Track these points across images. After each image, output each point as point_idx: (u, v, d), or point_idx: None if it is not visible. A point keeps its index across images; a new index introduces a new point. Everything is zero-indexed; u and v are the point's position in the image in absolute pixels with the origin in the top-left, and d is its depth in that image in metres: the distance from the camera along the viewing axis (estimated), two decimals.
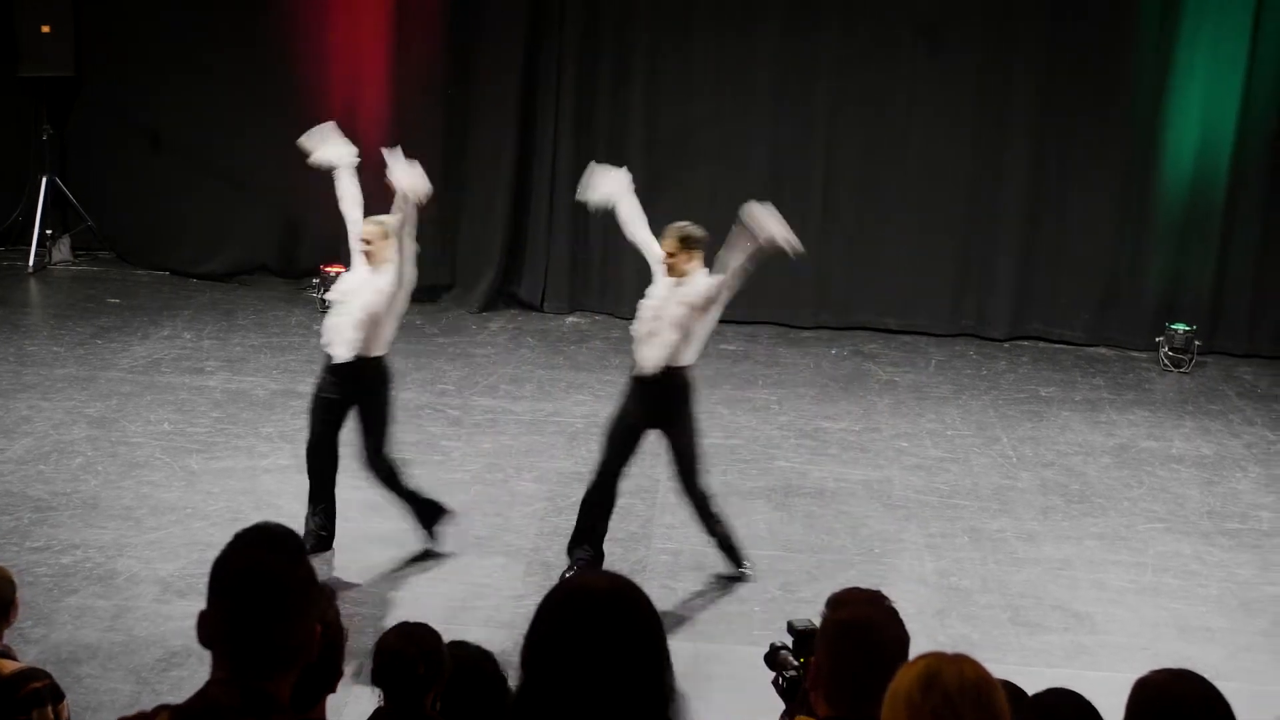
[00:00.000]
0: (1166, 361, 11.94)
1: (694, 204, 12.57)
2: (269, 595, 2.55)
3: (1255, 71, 11.94)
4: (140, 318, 11.72)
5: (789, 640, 3.86)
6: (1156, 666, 3.33)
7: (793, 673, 3.79)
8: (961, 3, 12.21)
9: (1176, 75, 12.05)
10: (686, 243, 7.21)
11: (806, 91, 12.34)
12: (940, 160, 12.35)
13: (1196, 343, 11.95)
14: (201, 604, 2.60)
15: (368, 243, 7.36)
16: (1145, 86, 12.10)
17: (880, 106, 12.32)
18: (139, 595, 7.09)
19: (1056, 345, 12.42)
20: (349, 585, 7.31)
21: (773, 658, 3.89)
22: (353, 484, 8.00)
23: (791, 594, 7.51)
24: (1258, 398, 11.36)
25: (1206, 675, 3.29)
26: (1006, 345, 12.39)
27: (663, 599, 7.21)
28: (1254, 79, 11.95)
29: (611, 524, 7.65)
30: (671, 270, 7.24)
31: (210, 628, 2.57)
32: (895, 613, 3.15)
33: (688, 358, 7.33)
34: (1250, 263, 12.27)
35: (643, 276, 12.50)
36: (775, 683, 3.87)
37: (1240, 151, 12.06)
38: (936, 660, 2.63)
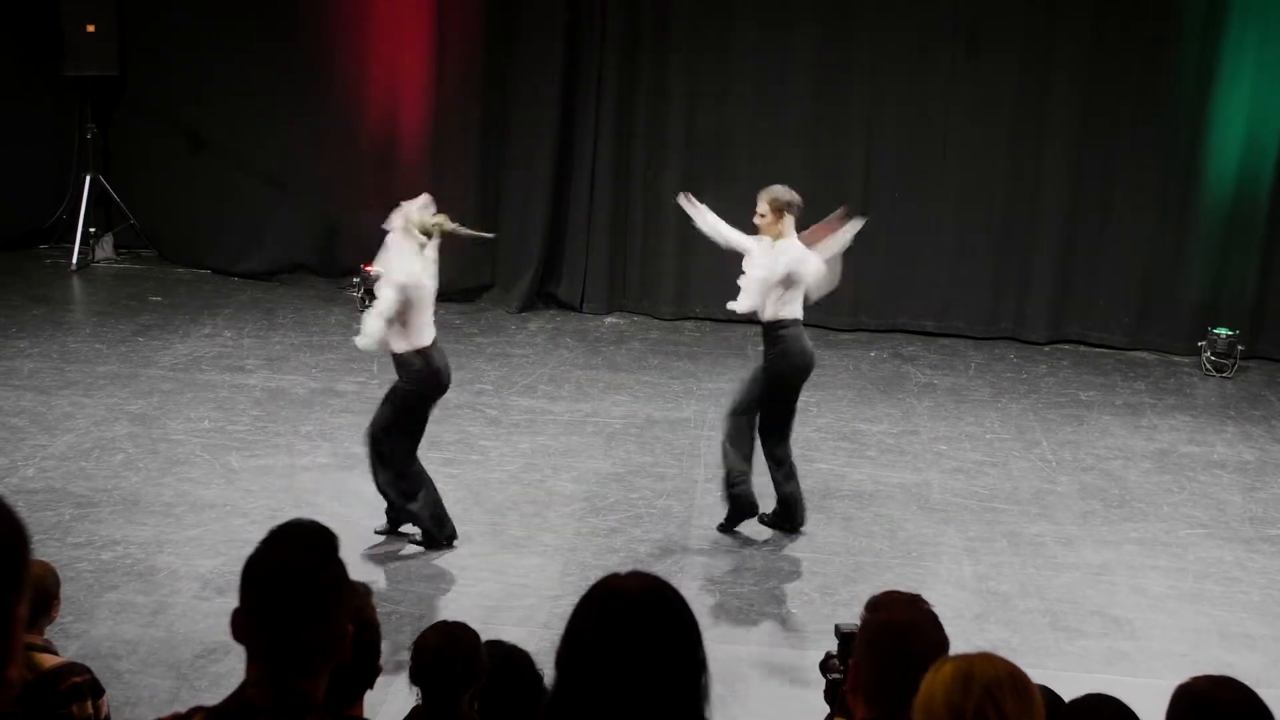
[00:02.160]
0: (1209, 366, 11.85)
1: (732, 204, 12.59)
2: (300, 595, 2.55)
3: None
4: (181, 316, 11.79)
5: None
6: (1197, 673, 3.31)
7: (836, 676, 3.78)
8: (1002, 4, 12.15)
9: (1221, 79, 11.95)
10: (775, 205, 7.92)
11: (845, 92, 12.31)
12: (979, 162, 12.30)
13: (1239, 347, 11.86)
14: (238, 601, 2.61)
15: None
16: (1188, 90, 12.01)
17: (919, 108, 12.28)
18: (178, 591, 7.14)
19: (1097, 349, 12.35)
20: (386, 583, 7.33)
21: (825, 664, 3.88)
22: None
23: (830, 596, 7.50)
24: None
25: (1247, 682, 3.26)
26: (1046, 349, 12.33)
27: (699, 600, 7.20)
28: None
29: (649, 525, 7.65)
30: (763, 230, 8.00)
31: (243, 627, 2.58)
32: (934, 616, 3.14)
33: (785, 312, 7.94)
34: None
35: (680, 278, 12.58)
36: (825, 690, 3.86)
37: None
38: (964, 661, 2.62)
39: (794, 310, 7.97)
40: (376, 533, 7.78)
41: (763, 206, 7.96)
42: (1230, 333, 11.87)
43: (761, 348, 8.19)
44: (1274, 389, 11.59)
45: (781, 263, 7.87)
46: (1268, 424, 10.70)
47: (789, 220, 7.92)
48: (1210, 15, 11.89)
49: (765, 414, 8.09)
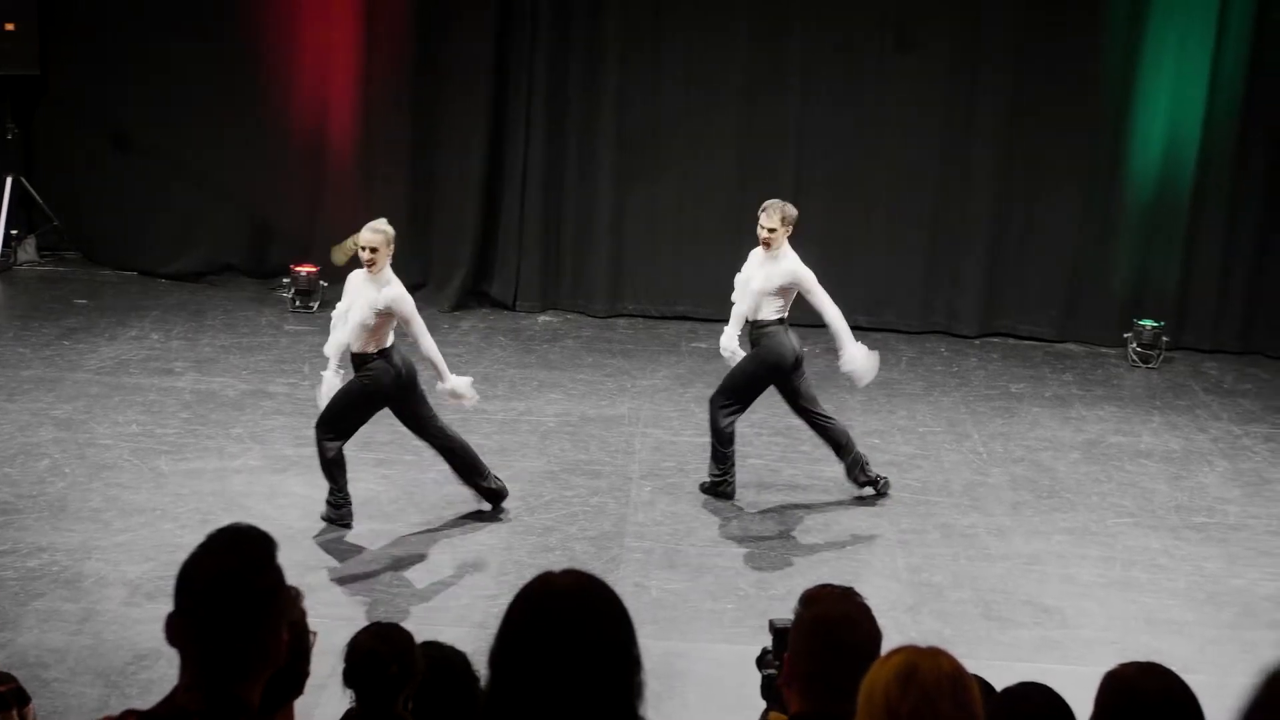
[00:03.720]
0: (1135, 357, 12.01)
1: (664, 202, 12.63)
2: (237, 601, 2.53)
3: (1219, 71, 12.01)
4: (108, 318, 11.65)
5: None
6: (1125, 660, 3.35)
7: (771, 671, 3.80)
8: (932, 2, 12.24)
9: (1143, 75, 12.11)
10: (786, 220, 8.35)
11: (777, 89, 12.36)
12: (909, 159, 12.39)
13: (1164, 339, 12.02)
14: (170, 606, 2.59)
15: (373, 250, 7.71)
16: (1112, 86, 12.16)
17: (849, 104, 12.35)
18: (107, 598, 7.06)
19: (1026, 342, 12.47)
20: (320, 586, 7.28)
21: (761, 660, 3.90)
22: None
23: (765, 591, 7.53)
24: (1224, 393, 11.43)
25: (1174, 668, 3.31)
26: (977, 342, 12.43)
27: (635, 597, 7.21)
28: (1218, 79, 12.02)
29: (584, 523, 7.68)
30: (772, 243, 8.37)
31: (178, 631, 2.56)
32: (867, 609, 3.16)
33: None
34: (1216, 259, 12.35)
35: (614, 276, 12.58)
36: (762, 685, 3.88)
37: (1205, 150, 12.13)
38: (913, 655, 2.63)
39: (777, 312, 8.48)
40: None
41: (773, 221, 8.34)
42: (1155, 324, 12.03)
43: (755, 335, 8.59)
44: (1198, 379, 11.75)
45: (786, 272, 8.40)
46: (1192, 414, 10.85)
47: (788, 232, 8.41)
48: (1132, 13, 12.04)
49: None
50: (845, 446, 8.70)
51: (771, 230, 8.35)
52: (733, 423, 8.61)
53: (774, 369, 8.49)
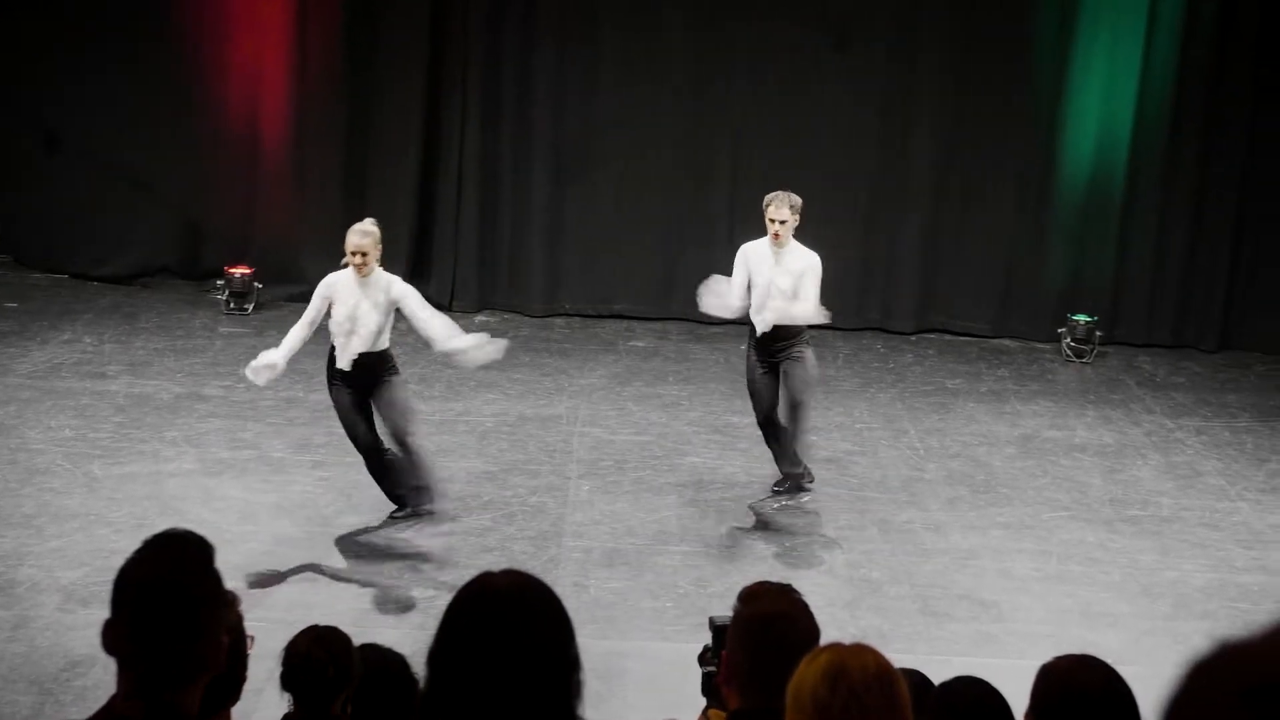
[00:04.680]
0: (1069, 352, 12.13)
1: (601, 201, 12.62)
2: (174, 607, 2.51)
3: (1149, 70, 12.17)
4: (39, 322, 11.50)
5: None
6: (1060, 653, 3.39)
7: (711, 669, 3.80)
8: (869, 2, 12.31)
9: (1074, 75, 12.26)
10: (796, 209, 8.25)
11: (714, 87, 12.39)
12: (846, 156, 12.45)
13: (1098, 333, 12.15)
14: (105, 612, 2.57)
15: (364, 254, 7.67)
16: (1045, 84, 12.29)
17: (787, 103, 12.39)
18: (40, 605, 6.97)
19: (962, 338, 12.57)
20: (258, 589, 7.23)
21: (702, 657, 3.90)
22: (261, 487, 7.94)
23: (704, 589, 7.54)
24: (1156, 386, 11.56)
25: (1109, 660, 3.35)
26: (913, 338, 12.51)
27: (574, 596, 7.20)
28: (1148, 77, 12.18)
29: (522, 523, 7.66)
30: (783, 235, 8.26)
31: (114, 638, 2.53)
32: (805, 605, 3.17)
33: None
34: (1148, 255, 12.51)
35: (550, 275, 12.56)
36: (703, 683, 3.88)
37: (1136, 147, 12.29)
38: (839, 653, 2.64)
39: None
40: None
41: (784, 213, 8.25)
42: (1089, 319, 12.16)
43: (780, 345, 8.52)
44: (1131, 373, 11.89)
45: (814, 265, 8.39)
46: (1126, 408, 10.98)
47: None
48: (1063, 14, 12.17)
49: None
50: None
51: (783, 222, 8.28)
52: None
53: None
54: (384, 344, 7.85)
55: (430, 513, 8.10)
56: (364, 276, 7.68)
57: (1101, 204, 12.42)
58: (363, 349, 7.70)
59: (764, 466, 9.30)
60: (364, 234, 7.70)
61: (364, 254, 7.65)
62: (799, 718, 2.57)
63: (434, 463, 8.20)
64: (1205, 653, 1.05)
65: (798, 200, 8.35)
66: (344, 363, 7.75)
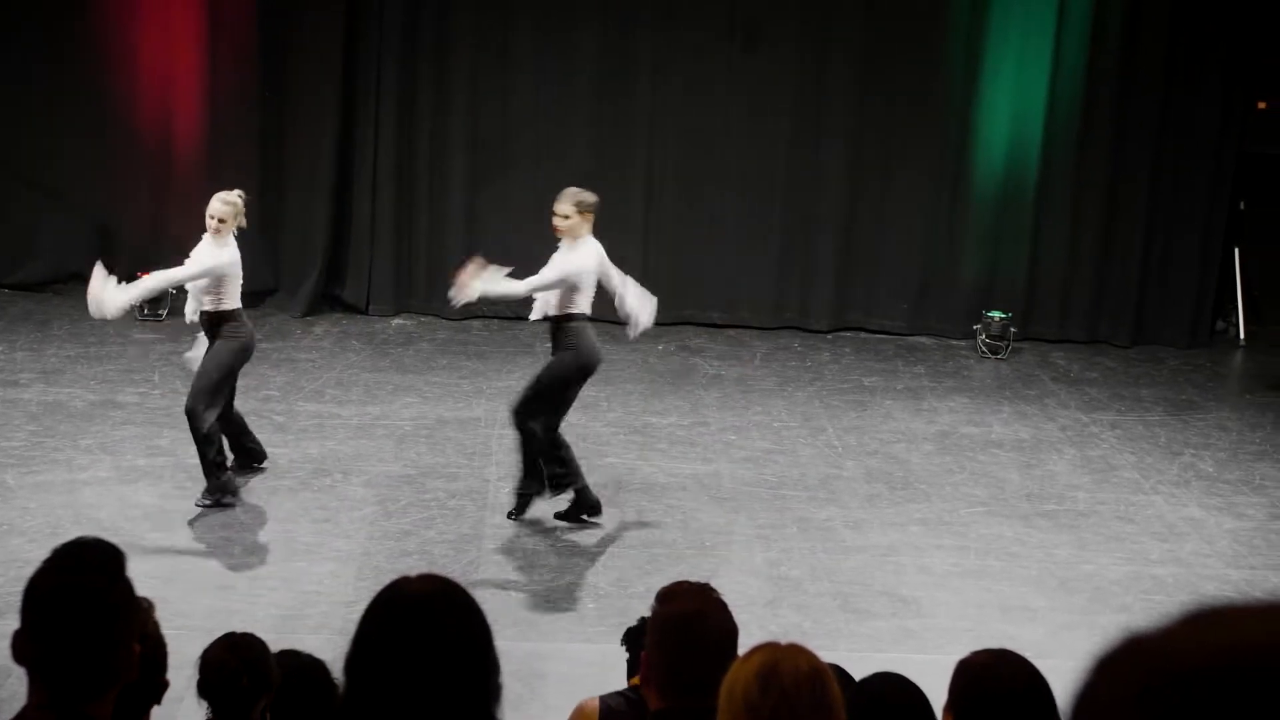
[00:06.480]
0: (984, 349, 12.25)
1: (517, 203, 12.58)
2: (86, 616, 2.48)
3: (1060, 68, 12.33)
4: None
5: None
6: (979, 647, 3.42)
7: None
8: (779, 1, 12.37)
9: (985, 74, 12.39)
10: (581, 206, 7.91)
11: (627, 90, 12.40)
12: (760, 155, 12.51)
13: (1012, 330, 12.29)
14: (17, 623, 2.53)
15: (221, 220, 8.02)
16: (956, 82, 12.42)
17: (700, 103, 12.43)
18: None
19: (878, 335, 12.66)
20: (174, 596, 7.14)
21: (628, 636, 3.91)
22: (177, 494, 7.85)
23: (624, 589, 7.55)
24: (1071, 382, 11.71)
25: (1028, 654, 3.39)
26: (829, 337, 12.59)
27: (495, 599, 7.19)
28: (1059, 75, 12.34)
29: (442, 526, 7.62)
30: (565, 232, 7.95)
31: (25, 649, 2.50)
32: (723, 604, 3.18)
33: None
34: (1061, 252, 12.67)
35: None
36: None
37: (1049, 145, 12.45)
38: (773, 653, 2.65)
39: (583, 306, 8.02)
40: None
41: (566, 208, 7.92)
42: (1003, 316, 12.29)
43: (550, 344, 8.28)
44: (1046, 369, 12.03)
45: (572, 262, 7.95)
46: (1041, 403, 11.11)
47: (589, 221, 7.98)
48: (974, 13, 12.31)
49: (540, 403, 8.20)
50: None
51: (566, 217, 7.93)
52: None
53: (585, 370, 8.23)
54: (221, 306, 8.09)
55: (231, 504, 8.16)
56: (217, 239, 8.08)
57: (1015, 202, 12.57)
58: (201, 307, 8.17)
59: (685, 466, 9.33)
60: (226, 202, 8.08)
61: (221, 220, 8.04)
62: (731, 718, 2.59)
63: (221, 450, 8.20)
64: (1111, 647, 1.07)
65: (589, 199, 7.94)
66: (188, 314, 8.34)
